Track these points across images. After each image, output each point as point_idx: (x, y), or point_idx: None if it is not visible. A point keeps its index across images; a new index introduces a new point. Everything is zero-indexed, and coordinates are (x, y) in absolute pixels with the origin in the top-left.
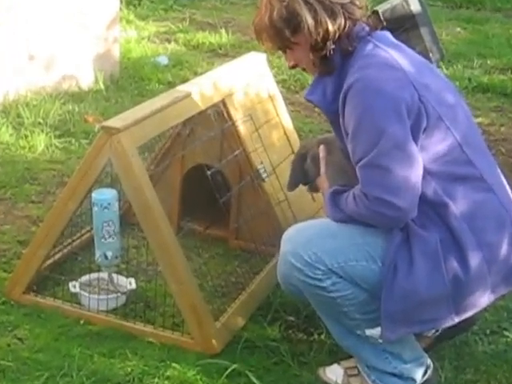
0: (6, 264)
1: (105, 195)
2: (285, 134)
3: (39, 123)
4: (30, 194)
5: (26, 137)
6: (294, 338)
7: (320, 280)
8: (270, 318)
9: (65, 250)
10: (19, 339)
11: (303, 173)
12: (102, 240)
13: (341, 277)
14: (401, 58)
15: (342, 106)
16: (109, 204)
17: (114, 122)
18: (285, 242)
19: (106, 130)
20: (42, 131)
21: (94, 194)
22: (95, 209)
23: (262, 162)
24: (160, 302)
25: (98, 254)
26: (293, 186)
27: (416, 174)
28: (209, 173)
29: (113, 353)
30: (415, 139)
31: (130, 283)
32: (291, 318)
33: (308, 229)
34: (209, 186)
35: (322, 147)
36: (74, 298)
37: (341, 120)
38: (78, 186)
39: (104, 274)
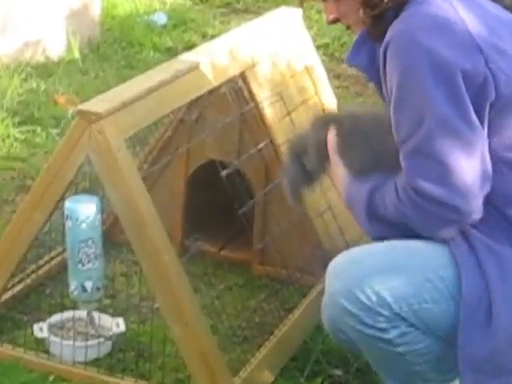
0: None
1: (82, 205)
2: None
3: None
4: None
5: None
6: None
7: (383, 330)
8: (309, 372)
9: (28, 280)
10: None
11: (304, 173)
12: (79, 266)
13: (412, 325)
14: (468, 11)
15: (383, 67)
16: (87, 217)
17: (95, 104)
18: (333, 276)
19: (84, 116)
20: None
21: (67, 203)
22: (69, 223)
23: None
24: (158, 350)
25: (73, 284)
26: (295, 195)
27: (477, 164)
28: (224, 173)
29: None
30: (480, 118)
31: (116, 325)
32: (337, 373)
33: (365, 258)
34: (224, 192)
35: (333, 127)
36: (41, 346)
37: (383, 88)
38: (46, 192)
39: (82, 313)
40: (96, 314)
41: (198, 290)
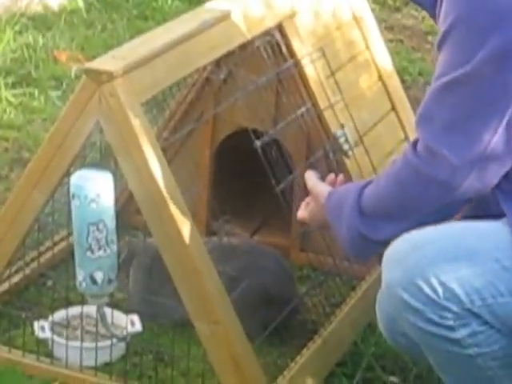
0: None
1: (91, 181)
2: (380, 78)
3: None
4: None
5: None
6: None
7: (451, 329)
8: (360, 379)
9: (27, 270)
10: None
11: None
12: (88, 254)
13: (485, 323)
14: None
15: (439, 7)
16: (97, 195)
17: (105, 62)
18: (391, 264)
19: (93, 76)
20: None
21: (73, 179)
22: (76, 203)
23: (343, 126)
24: (181, 352)
25: (80, 275)
26: None
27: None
28: (258, 143)
29: None
30: None
31: (132, 323)
32: (393, 380)
33: (428, 242)
34: (257, 166)
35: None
36: (43, 347)
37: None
38: (49, 167)
39: (91, 309)
40: (108, 311)
41: None
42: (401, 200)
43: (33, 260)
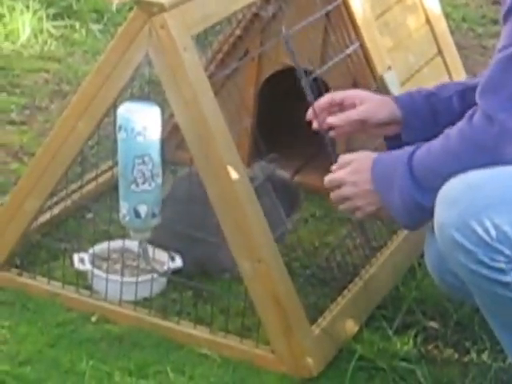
0: None
1: (139, 113)
2: (427, 22)
3: None
4: (8, 109)
5: (2, 17)
6: (438, 357)
7: (502, 271)
8: (400, 322)
9: (68, 202)
10: None
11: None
12: (133, 187)
13: None
14: None
15: None
16: (144, 128)
17: None
18: (445, 204)
19: (144, 8)
20: (27, 8)
21: (121, 111)
22: (122, 135)
23: (390, 67)
24: (221, 290)
25: (124, 209)
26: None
27: None
28: (303, 82)
29: (144, 370)
30: None
31: (172, 259)
32: (433, 325)
33: (486, 183)
34: (302, 104)
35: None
36: (83, 280)
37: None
38: (96, 98)
39: (132, 243)
40: (149, 246)
41: None
42: (456, 170)
43: (74, 191)
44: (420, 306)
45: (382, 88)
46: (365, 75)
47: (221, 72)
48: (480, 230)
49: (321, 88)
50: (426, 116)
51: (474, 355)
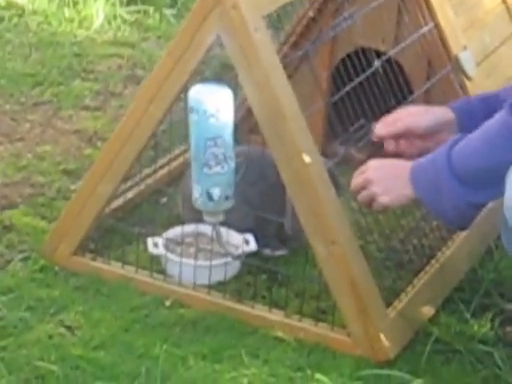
0: (46, 207)
1: (211, 95)
2: (503, 1)
3: None
4: (82, 95)
5: (76, 4)
6: None
7: None
8: (477, 304)
9: (142, 186)
10: (67, 328)
11: None
12: (205, 169)
13: None
14: None
15: None
16: (217, 110)
17: None
18: None
19: None
20: None
21: (193, 93)
22: (194, 117)
23: (465, 47)
24: (296, 273)
25: (197, 191)
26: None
27: None
28: (377, 62)
29: (218, 354)
30: None
31: (246, 242)
32: (511, 307)
33: None
34: (376, 85)
35: None
36: (156, 264)
37: None
38: (167, 81)
39: (206, 227)
40: (223, 229)
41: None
42: (499, 162)
43: (148, 176)
44: (498, 288)
45: (456, 68)
46: (440, 55)
47: (294, 54)
48: None
49: (394, 69)
50: (482, 117)
51: None
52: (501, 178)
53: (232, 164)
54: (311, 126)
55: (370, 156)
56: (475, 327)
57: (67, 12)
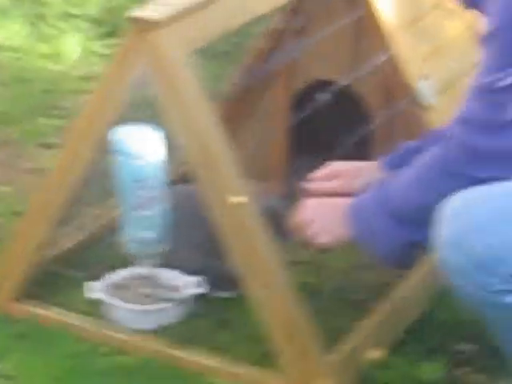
0: None
1: (136, 137)
2: (470, 27)
3: (71, 15)
4: (46, 132)
5: (53, 38)
6: None
7: (499, 293)
8: (431, 346)
9: (86, 231)
10: (5, 377)
11: None
12: (134, 213)
13: None
14: None
15: None
16: (143, 152)
17: (150, 9)
18: (443, 222)
19: (137, 24)
20: (77, 28)
21: (117, 135)
22: (119, 159)
23: (426, 76)
24: (246, 316)
25: (127, 235)
26: None
27: None
28: (328, 93)
29: None
30: None
31: (195, 284)
32: (470, 348)
33: (485, 201)
34: (334, 117)
35: None
36: (96, 310)
37: None
38: (95, 120)
39: (148, 270)
40: (170, 271)
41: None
42: (437, 200)
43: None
44: (455, 328)
45: (417, 98)
46: (399, 85)
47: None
48: (474, 251)
49: (354, 100)
50: None
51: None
52: (426, 219)
53: (163, 206)
54: (272, 161)
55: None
56: (427, 370)
57: (43, 47)
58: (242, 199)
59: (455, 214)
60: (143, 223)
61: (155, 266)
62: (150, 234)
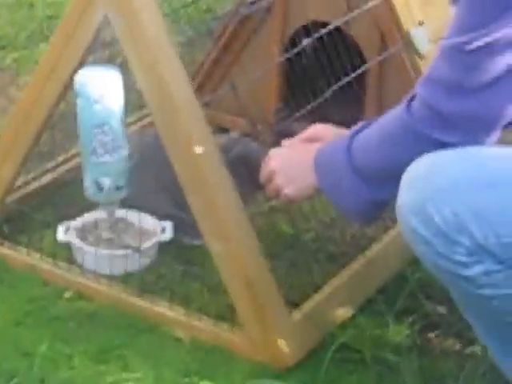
0: None
1: (96, 79)
2: None
3: None
4: None
5: None
6: (437, 348)
7: (463, 264)
8: (401, 307)
9: (56, 173)
10: None
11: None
12: (93, 158)
13: (501, 262)
14: None
15: None
16: (102, 95)
17: None
18: (404, 185)
19: None
20: None
21: (77, 77)
22: (80, 102)
23: (421, 22)
24: (209, 266)
25: (87, 181)
26: None
27: None
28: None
29: (107, 354)
30: None
31: (163, 230)
32: (439, 310)
33: (452, 163)
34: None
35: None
36: (63, 253)
37: None
38: (59, 60)
39: (122, 212)
40: (137, 214)
41: None
42: (399, 162)
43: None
44: (425, 288)
45: (409, 44)
46: (391, 30)
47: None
48: (437, 218)
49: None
50: None
51: (477, 347)
52: (388, 179)
53: (123, 152)
54: (264, 100)
55: None
56: (392, 333)
57: None
58: (202, 149)
59: (416, 178)
60: (102, 169)
61: (114, 212)
62: (108, 181)
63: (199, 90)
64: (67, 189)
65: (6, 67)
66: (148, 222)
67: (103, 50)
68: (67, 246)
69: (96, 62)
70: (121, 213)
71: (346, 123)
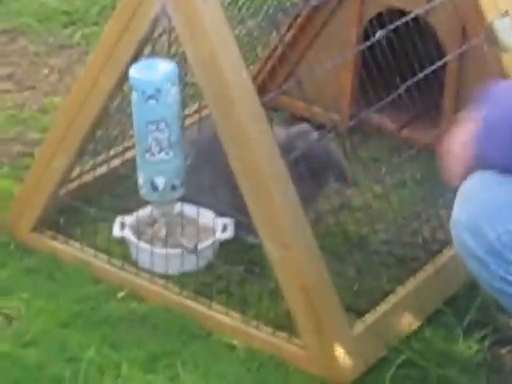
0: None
1: (150, 73)
2: None
3: None
4: None
5: None
6: (509, 365)
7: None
8: (471, 320)
9: (111, 165)
10: (5, 316)
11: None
12: (148, 156)
13: None
14: None
15: None
16: (158, 90)
17: None
18: (461, 199)
19: None
20: None
21: (132, 71)
22: (134, 97)
23: (506, 12)
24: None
25: (141, 179)
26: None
27: None
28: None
29: (156, 362)
30: None
31: (224, 227)
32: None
33: (502, 184)
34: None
35: None
36: (118, 250)
37: None
38: (115, 51)
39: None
40: (198, 210)
41: (358, 182)
42: None
43: (116, 155)
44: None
45: (491, 37)
46: (474, 21)
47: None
48: (491, 235)
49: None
50: None
51: None
52: None
53: (179, 150)
54: (340, 88)
55: (403, 126)
56: (460, 348)
57: None
58: (263, 150)
59: (472, 195)
60: (157, 168)
61: (170, 213)
62: (163, 180)
63: (271, 76)
64: (124, 181)
65: (75, 44)
66: (208, 217)
67: (159, 42)
68: (122, 242)
69: (152, 55)
70: (179, 207)
71: (422, 115)
